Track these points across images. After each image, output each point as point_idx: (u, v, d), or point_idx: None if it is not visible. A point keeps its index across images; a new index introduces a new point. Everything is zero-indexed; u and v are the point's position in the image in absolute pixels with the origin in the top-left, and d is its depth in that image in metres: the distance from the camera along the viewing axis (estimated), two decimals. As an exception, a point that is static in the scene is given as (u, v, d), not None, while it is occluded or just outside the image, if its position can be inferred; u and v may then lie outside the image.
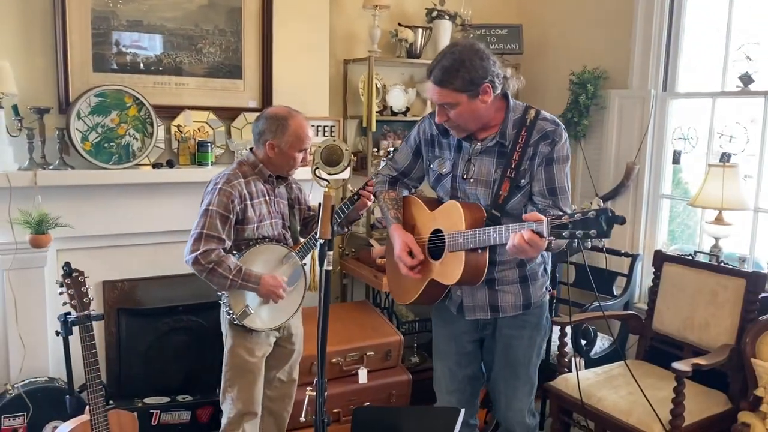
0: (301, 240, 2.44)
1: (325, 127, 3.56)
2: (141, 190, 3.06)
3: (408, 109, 3.94)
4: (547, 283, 2.13)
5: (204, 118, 3.26)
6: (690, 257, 3.12)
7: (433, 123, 2.06)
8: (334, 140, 2.15)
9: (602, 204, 1.63)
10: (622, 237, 3.61)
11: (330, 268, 1.60)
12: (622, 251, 3.54)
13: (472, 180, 1.96)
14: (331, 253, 1.61)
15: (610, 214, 1.54)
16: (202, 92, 3.23)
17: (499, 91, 1.93)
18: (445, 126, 1.98)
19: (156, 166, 3.08)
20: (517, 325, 2.08)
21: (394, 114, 3.90)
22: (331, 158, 2.14)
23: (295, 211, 2.42)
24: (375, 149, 3.60)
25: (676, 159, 3.51)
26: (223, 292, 2.30)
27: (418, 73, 4.05)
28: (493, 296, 2.04)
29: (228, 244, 2.25)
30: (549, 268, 2.15)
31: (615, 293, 3.52)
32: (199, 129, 3.25)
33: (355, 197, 2.19)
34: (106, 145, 2.95)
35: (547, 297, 2.13)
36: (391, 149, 3.40)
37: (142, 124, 3.02)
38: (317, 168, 2.17)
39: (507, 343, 2.09)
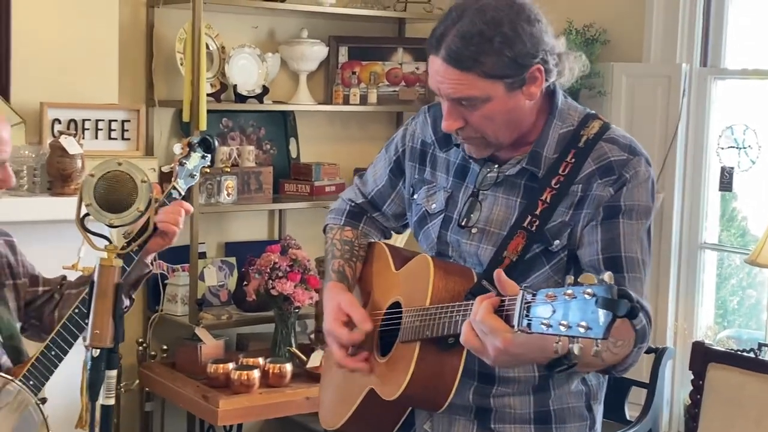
0: (29, 354, 2.36)
1: (111, 123, 3.56)
2: None
3: (266, 90, 3.95)
4: (597, 428, 2.14)
5: None
6: (754, 354, 3.15)
7: (429, 123, 2.13)
8: (120, 164, 2.03)
9: (606, 278, 1.68)
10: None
11: (111, 401, 1.66)
12: (639, 344, 3.52)
13: (475, 230, 2.02)
14: (114, 373, 1.67)
15: (611, 297, 1.47)
16: None
17: (553, 78, 1.93)
18: (456, 136, 2.01)
19: None
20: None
21: (241, 99, 3.90)
22: (113, 197, 2.01)
23: (6, 294, 2.37)
24: (207, 162, 3.38)
25: (726, 181, 3.59)
26: None
27: (286, 25, 4.10)
28: None
29: None
30: (601, 398, 2.15)
31: (628, 417, 3.47)
32: None
33: (143, 230, 2.09)
34: None
35: None
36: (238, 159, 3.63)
37: None
38: (86, 216, 2.02)
39: None
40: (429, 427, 2.08)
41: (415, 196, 2.15)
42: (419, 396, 1.94)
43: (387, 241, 2.30)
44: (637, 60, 3.82)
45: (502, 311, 1.68)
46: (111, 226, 1.96)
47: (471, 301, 1.81)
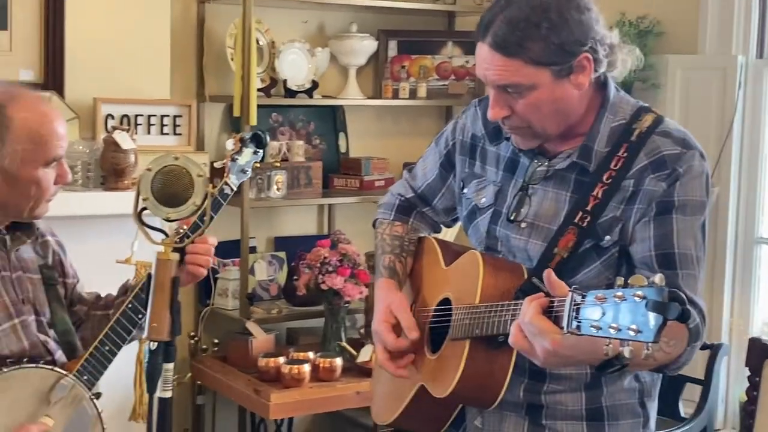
0: (83, 349, 2.33)
1: (163, 118, 3.58)
2: None
3: (315, 84, 3.95)
4: (651, 425, 2.11)
5: None
6: (813, 350, 3.21)
7: (480, 116, 2.13)
8: (176, 158, 2.04)
9: (656, 280, 1.61)
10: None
11: (169, 394, 1.67)
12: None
13: (524, 224, 2.01)
14: (171, 366, 1.67)
15: (662, 299, 1.48)
16: None
17: (603, 69, 1.92)
18: (502, 126, 2.00)
19: None
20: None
21: (291, 94, 3.91)
22: (170, 191, 2.02)
23: (59, 290, 2.35)
24: (259, 158, 3.45)
25: (785, 174, 3.70)
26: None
27: (335, 19, 4.10)
28: None
29: None
30: (656, 395, 2.13)
31: (683, 414, 3.48)
32: None
33: (195, 225, 2.08)
34: None
35: None
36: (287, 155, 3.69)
37: None
38: (144, 210, 2.04)
39: None
40: (480, 423, 2.08)
41: (465, 190, 2.15)
42: (469, 394, 1.94)
43: (437, 236, 2.31)
44: (691, 52, 3.80)
45: (551, 312, 1.68)
46: (168, 220, 1.98)
47: (520, 301, 1.81)
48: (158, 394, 1.67)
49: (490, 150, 2.12)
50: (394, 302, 2.11)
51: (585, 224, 1.93)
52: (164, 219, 2.00)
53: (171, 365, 1.68)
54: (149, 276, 1.74)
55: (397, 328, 2.07)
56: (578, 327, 1.60)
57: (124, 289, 2.38)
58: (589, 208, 1.93)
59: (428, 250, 2.23)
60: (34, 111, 2.17)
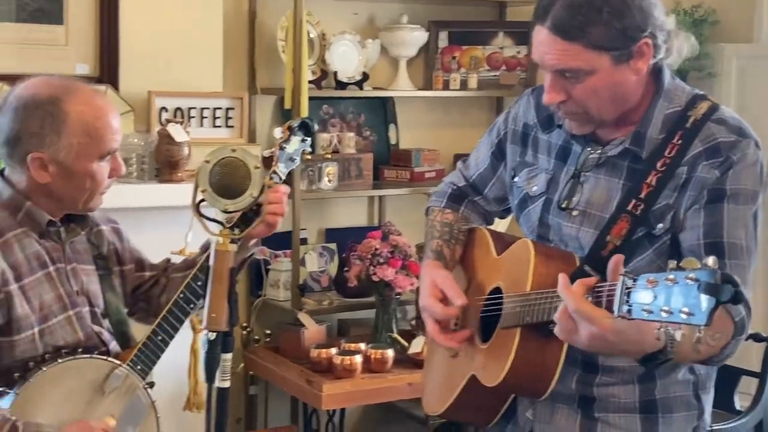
0: (136, 338, 2.35)
1: (216, 111, 3.60)
2: None
3: (366, 76, 3.95)
4: (705, 418, 2.09)
5: None
6: None
7: (533, 105, 2.13)
8: (233, 150, 2.06)
9: (709, 262, 1.60)
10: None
11: (227, 384, 1.69)
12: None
13: (576, 212, 2.01)
14: (229, 356, 1.69)
15: (714, 281, 1.47)
16: None
17: (661, 54, 1.90)
18: (557, 111, 2.00)
19: None
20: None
21: (342, 85, 3.92)
22: (227, 182, 2.05)
23: (113, 280, 2.38)
24: (308, 149, 3.43)
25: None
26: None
27: (386, 11, 4.11)
28: (589, 430, 2.03)
29: None
30: (710, 387, 2.12)
31: (738, 407, 3.45)
32: None
33: (251, 214, 2.07)
34: None
35: None
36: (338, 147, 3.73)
37: None
38: (202, 201, 2.06)
39: None
40: (531, 414, 2.08)
41: (516, 179, 2.14)
42: (520, 383, 1.94)
43: (489, 227, 2.31)
44: (747, 41, 3.76)
45: (601, 297, 1.68)
46: (225, 211, 1.99)
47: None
48: (217, 383, 1.68)
49: (542, 138, 2.11)
50: (438, 277, 2.11)
51: (638, 212, 1.91)
52: (222, 210, 2.02)
53: (229, 355, 1.70)
54: (204, 267, 1.76)
55: (444, 302, 2.08)
56: (629, 311, 1.59)
57: (205, 248, 2.35)
58: (642, 195, 1.91)
59: (479, 240, 2.23)
60: (89, 104, 2.18)
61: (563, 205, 2.03)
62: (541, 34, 1.89)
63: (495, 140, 2.23)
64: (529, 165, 2.13)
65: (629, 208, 1.92)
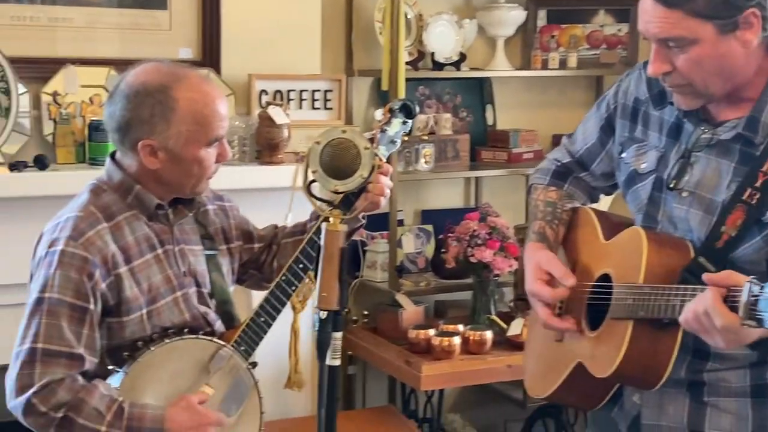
0: (240, 318, 2.38)
1: (314, 93, 3.63)
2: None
3: (463, 56, 3.95)
4: None
5: (101, 79, 3.31)
6: None
7: (644, 79, 2.10)
8: (344, 131, 2.02)
9: None
10: None
11: (337, 362, 1.71)
12: None
13: (685, 193, 1.98)
14: (339, 335, 1.70)
15: None
16: (95, 34, 3.35)
17: None
18: (663, 83, 1.97)
19: (15, 166, 3.13)
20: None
21: (439, 66, 3.92)
22: (338, 163, 2.02)
23: (220, 260, 2.41)
24: (408, 128, 3.47)
25: None
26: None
27: None
28: (698, 415, 2.00)
29: (92, 361, 2.18)
30: None
31: None
32: (91, 99, 3.29)
33: (352, 195, 2.04)
34: None
35: None
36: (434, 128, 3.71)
37: (-10, 93, 3.13)
38: (313, 182, 2.02)
39: None
40: (638, 399, 2.06)
41: (624, 155, 2.11)
42: (631, 375, 1.93)
43: (592, 206, 2.28)
44: None
45: (726, 302, 1.68)
46: (336, 192, 1.99)
47: (690, 286, 1.82)
48: (328, 362, 1.69)
49: (653, 114, 2.08)
50: (542, 258, 2.10)
51: (754, 201, 1.88)
52: (331, 191, 2.01)
53: (340, 334, 1.71)
54: (318, 247, 1.76)
55: (551, 284, 2.07)
56: (759, 321, 1.59)
57: (316, 215, 2.38)
58: (758, 184, 1.88)
59: (584, 221, 2.21)
60: (198, 92, 2.20)
61: (672, 185, 2.00)
62: (645, 3, 1.87)
63: (604, 114, 2.20)
64: (638, 141, 2.10)
65: (745, 197, 1.89)
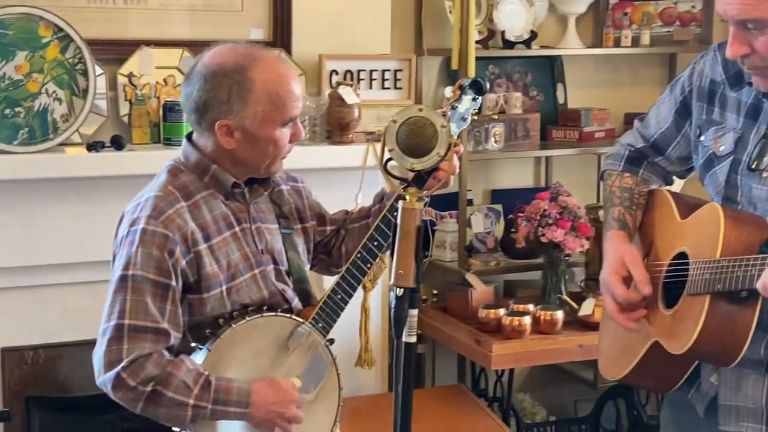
0: (316, 296, 2.41)
1: (384, 73, 3.63)
2: (66, 190, 3.15)
3: (534, 34, 3.93)
4: None
5: (175, 60, 3.36)
6: None
7: (719, 61, 2.08)
8: (420, 110, 2.01)
9: None
10: None
11: (413, 339, 1.71)
12: None
13: (766, 174, 1.97)
14: (415, 312, 1.70)
15: None
16: (169, 16, 3.39)
17: None
18: (741, 66, 1.94)
19: (93, 146, 3.15)
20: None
21: (509, 45, 3.90)
22: (414, 141, 2.01)
23: (295, 239, 2.43)
24: (478, 105, 3.46)
25: None
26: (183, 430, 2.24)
27: None
28: None
29: (176, 336, 2.21)
30: None
31: None
32: (165, 80, 3.34)
33: (423, 172, 2.01)
34: (7, 111, 3.07)
35: None
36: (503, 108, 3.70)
37: (69, 74, 3.11)
38: (390, 161, 2.03)
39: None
40: (715, 380, 2.04)
41: (702, 138, 2.09)
42: (708, 351, 1.92)
43: (668, 188, 2.26)
44: None
45: None
46: (412, 170, 1.99)
47: (763, 255, 1.79)
48: (404, 338, 1.70)
49: (730, 96, 2.05)
50: (627, 255, 2.09)
51: None
52: (408, 169, 2.01)
53: (415, 311, 1.71)
54: (394, 225, 1.77)
55: (627, 281, 2.05)
56: None
57: (380, 197, 2.41)
58: None
59: (660, 202, 2.19)
60: (274, 72, 2.21)
61: (752, 166, 1.97)
62: None
63: (679, 97, 2.17)
64: (716, 123, 2.07)
65: None
